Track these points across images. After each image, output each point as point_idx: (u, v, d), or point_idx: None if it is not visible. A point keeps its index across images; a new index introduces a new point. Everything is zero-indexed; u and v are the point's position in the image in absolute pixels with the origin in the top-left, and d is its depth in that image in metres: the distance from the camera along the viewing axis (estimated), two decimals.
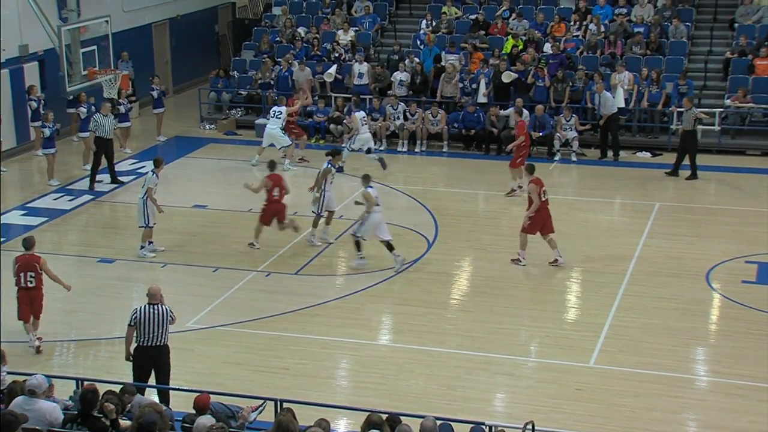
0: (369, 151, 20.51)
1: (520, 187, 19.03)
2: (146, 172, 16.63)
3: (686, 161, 20.56)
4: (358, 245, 15.88)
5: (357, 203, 16.36)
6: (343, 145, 20.63)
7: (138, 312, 11.22)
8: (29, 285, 13.23)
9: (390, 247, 15.79)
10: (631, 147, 22.48)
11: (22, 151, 22.31)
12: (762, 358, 12.87)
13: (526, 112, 21.31)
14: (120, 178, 20.35)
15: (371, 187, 16.02)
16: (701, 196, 19.82)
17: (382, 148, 22.96)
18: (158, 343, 11.25)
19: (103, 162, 20.15)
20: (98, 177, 20.11)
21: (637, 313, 14.30)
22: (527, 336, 13.95)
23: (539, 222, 15.93)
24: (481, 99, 23.23)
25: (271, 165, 17.06)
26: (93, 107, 20.83)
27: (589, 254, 16.60)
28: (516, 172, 19.29)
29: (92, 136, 19.78)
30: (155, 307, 11.26)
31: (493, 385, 12.48)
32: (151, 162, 16.91)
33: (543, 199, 15.94)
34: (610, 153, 22.13)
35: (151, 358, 11.29)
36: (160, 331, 11.22)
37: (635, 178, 20.72)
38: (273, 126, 21.08)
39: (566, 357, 12.98)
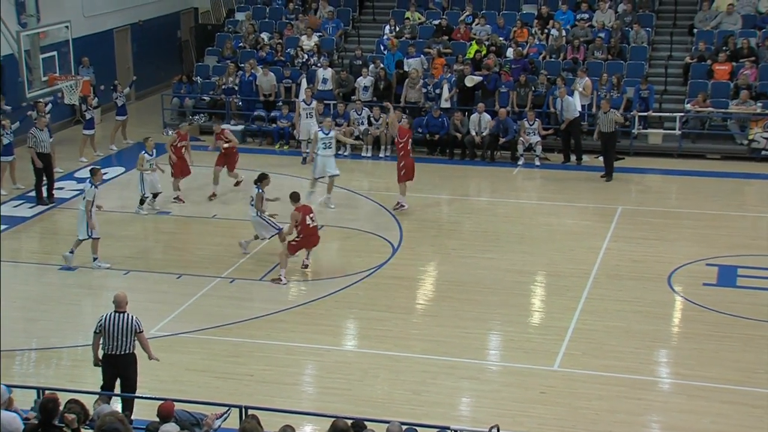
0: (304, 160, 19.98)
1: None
2: (86, 185, 16.33)
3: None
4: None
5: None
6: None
7: (103, 319, 11.12)
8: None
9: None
10: (593, 151, 22.65)
11: None
12: (723, 360, 13.02)
13: (405, 118, 20.23)
14: (57, 196, 19.67)
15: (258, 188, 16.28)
16: (663, 199, 20.02)
17: (346, 153, 22.96)
18: (124, 352, 11.14)
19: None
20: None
21: (601, 316, 14.40)
22: (492, 340, 14.01)
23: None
24: (444, 104, 23.31)
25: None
26: (12, 134, 20.28)
27: (553, 258, 16.70)
28: (403, 187, 18.82)
29: (33, 152, 19.36)
30: (121, 315, 11.16)
31: (458, 389, 12.50)
32: (89, 172, 16.65)
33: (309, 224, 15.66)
34: (573, 157, 22.30)
35: (116, 367, 11.18)
36: (126, 339, 11.11)
37: (598, 181, 20.87)
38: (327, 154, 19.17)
39: (531, 360, 13.04)
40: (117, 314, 11.15)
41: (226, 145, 19.64)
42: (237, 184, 20.01)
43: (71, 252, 16.26)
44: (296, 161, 22.19)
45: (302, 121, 22.11)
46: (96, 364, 11.31)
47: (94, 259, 16.23)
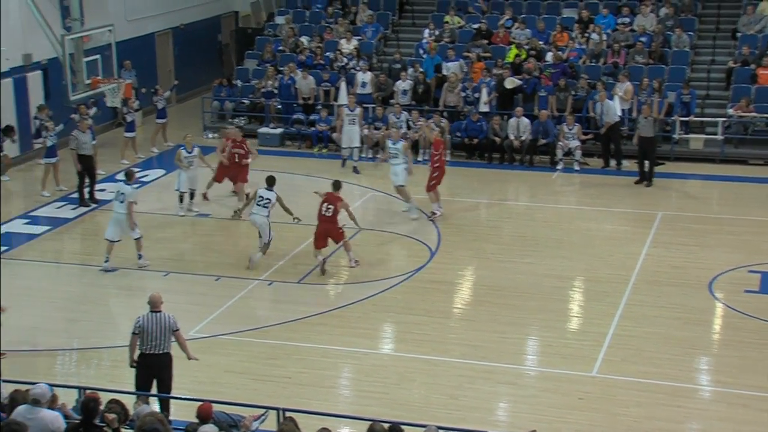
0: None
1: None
2: (124, 187, 16.44)
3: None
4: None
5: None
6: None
7: (141, 320, 11.24)
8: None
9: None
10: (634, 156, 22.45)
11: (24, 160, 22.34)
12: (765, 368, 12.85)
13: (437, 129, 20.23)
14: (99, 198, 19.81)
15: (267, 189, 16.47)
16: (704, 205, 19.81)
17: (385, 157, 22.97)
18: (161, 351, 11.25)
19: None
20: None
21: (640, 322, 14.28)
22: (530, 345, 13.95)
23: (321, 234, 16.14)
24: (483, 108, 23.26)
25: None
26: (56, 136, 20.50)
27: (592, 263, 16.59)
28: (434, 195, 18.70)
29: (74, 154, 19.63)
30: (157, 314, 11.28)
31: (495, 394, 12.46)
32: (124, 175, 16.90)
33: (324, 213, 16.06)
34: (612, 162, 22.14)
35: (153, 367, 11.29)
36: (163, 338, 11.23)
37: (638, 187, 20.70)
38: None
39: (568, 366, 12.97)
40: (153, 314, 11.26)
41: (246, 160, 19.04)
42: (237, 213, 18.56)
43: (106, 260, 16.40)
44: (335, 164, 22.25)
45: (345, 127, 21.97)
46: (131, 365, 11.42)
47: (140, 257, 16.40)
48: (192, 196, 19.03)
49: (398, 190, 18.85)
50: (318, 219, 16.25)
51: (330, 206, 16.20)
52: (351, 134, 21.59)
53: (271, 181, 16.60)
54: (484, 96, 23.32)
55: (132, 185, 16.50)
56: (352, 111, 21.88)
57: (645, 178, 20.72)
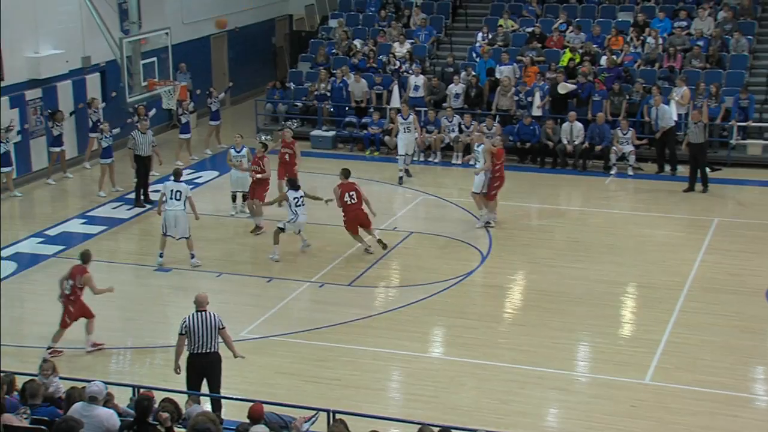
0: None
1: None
2: (177, 185, 16.64)
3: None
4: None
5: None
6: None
7: (188, 320, 11.36)
8: (65, 292, 13.65)
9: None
10: (687, 162, 22.19)
11: (83, 160, 22.72)
12: None
13: (487, 143, 18.81)
14: (153, 198, 19.84)
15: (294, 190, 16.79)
16: (761, 212, 19.44)
17: (436, 160, 23.01)
18: (208, 350, 11.35)
19: None
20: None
21: (694, 329, 14.09)
22: (581, 351, 13.83)
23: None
24: (536, 112, 23.13)
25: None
26: (111, 138, 20.74)
27: (645, 269, 16.41)
28: (493, 204, 18.54)
29: (132, 154, 19.95)
30: (203, 313, 11.39)
31: (546, 400, 12.37)
32: (173, 174, 17.07)
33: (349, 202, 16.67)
34: (667, 167, 21.87)
35: (202, 366, 11.40)
36: (210, 337, 11.33)
37: (693, 192, 20.42)
38: None
39: (621, 373, 12.83)
40: (199, 313, 11.38)
41: (259, 176, 18.52)
42: (256, 230, 18.26)
43: (193, 256, 16.70)
44: (386, 167, 22.27)
45: (400, 135, 21.70)
46: (176, 371, 11.50)
47: (192, 257, 16.61)
48: (244, 197, 19.14)
49: (472, 195, 18.64)
50: (344, 210, 16.84)
51: (351, 193, 16.79)
52: (406, 141, 21.50)
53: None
54: (537, 100, 23.20)
55: (181, 183, 16.80)
56: (405, 119, 21.58)
57: (694, 186, 20.36)
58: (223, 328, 11.47)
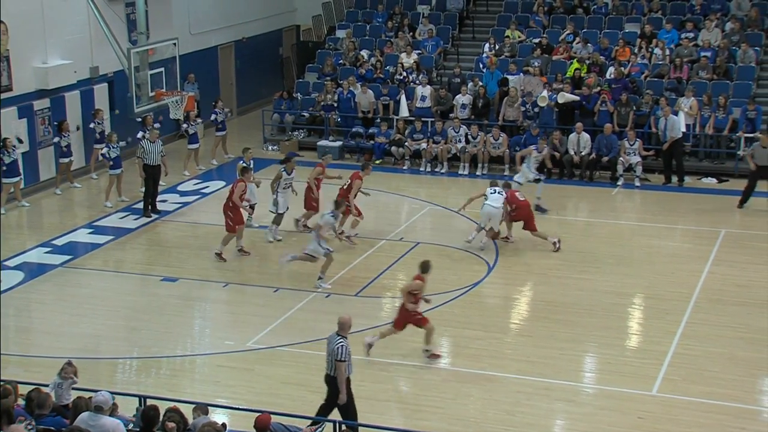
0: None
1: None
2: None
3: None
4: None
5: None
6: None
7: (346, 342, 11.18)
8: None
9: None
10: (696, 173, 22.17)
11: (90, 170, 22.77)
12: None
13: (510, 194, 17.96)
14: (161, 208, 20.07)
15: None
16: None
17: (443, 171, 23.03)
18: (329, 372, 11.24)
19: None
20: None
21: (702, 341, 14.04)
22: (588, 362, 13.79)
23: None
24: (541, 102, 23.21)
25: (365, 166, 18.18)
26: (119, 148, 20.83)
27: (652, 280, 16.37)
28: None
29: (140, 163, 19.99)
30: (334, 337, 11.22)
31: (553, 411, 12.33)
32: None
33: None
34: (674, 178, 21.84)
35: (329, 386, 11.25)
36: (328, 359, 11.22)
37: (700, 204, 20.39)
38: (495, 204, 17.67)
39: (628, 384, 12.79)
40: (336, 335, 11.27)
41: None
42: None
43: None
44: (392, 177, 22.28)
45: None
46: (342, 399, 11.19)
47: (319, 278, 16.23)
48: (252, 208, 19.13)
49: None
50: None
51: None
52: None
53: (286, 159, 18.17)
54: (544, 92, 23.22)
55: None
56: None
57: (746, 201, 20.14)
58: (341, 360, 11.06)
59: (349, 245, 17.71)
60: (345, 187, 17.95)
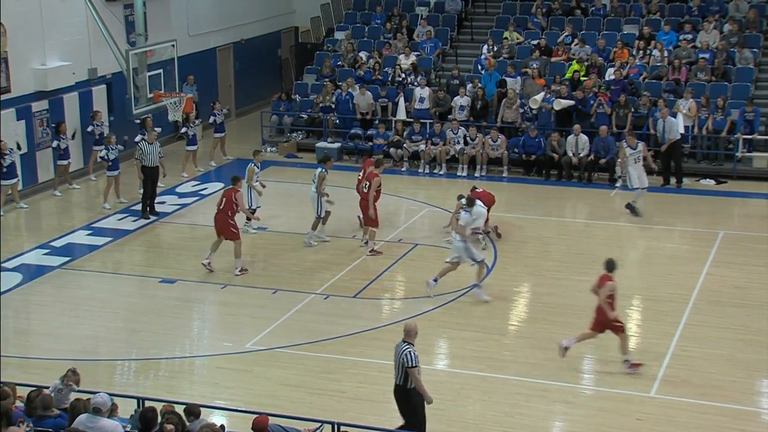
0: None
1: None
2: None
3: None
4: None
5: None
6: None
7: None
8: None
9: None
10: (694, 174, 22.18)
11: (89, 172, 22.76)
12: None
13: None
14: (159, 210, 20.08)
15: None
16: (766, 225, 19.41)
17: (441, 172, 23.03)
18: (397, 383, 10.93)
19: None
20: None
21: (700, 342, 14.05)
22: (586, 363, 13.78)
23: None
24: (533, 105, 23.25)
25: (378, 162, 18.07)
26: (116, 150, 20.80)
27: (651, 282, 16.38)
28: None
29: (139, 164, 19.97)
30: (400, 345, 10.96)
31: (551, 413, 12.34)
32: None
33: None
34: (673, 180, 21.86)
35: (396, 398, 10.99)
36: (396, 369, 10.91)
37: (699, 205, 20.40)
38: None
39: (626, 386, 12.80)
40: (403, 342, 10.97)
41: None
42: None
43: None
44: (389, 180, 22.27)
45: (631, 166, 19.69)
46: (430, 402, 10.95)
47: (475, 286, 15.88)
48: (253, 212, 19.09)
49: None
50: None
51: (367, 183, 17.62)
52: (638, 173, 19.75)
53: (323, 159, 18.46)
54: (541, 95, 23.25)
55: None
56: (635, 149, 19.75)
57: None
58: (412, 366, 10.74)
59: (372, 255, 17.54)
60: (366, 189, 17.70)
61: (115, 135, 21.28)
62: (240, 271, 16.72)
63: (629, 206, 19.74)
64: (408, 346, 10.83)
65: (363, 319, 15.00)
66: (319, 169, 17.99)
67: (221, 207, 16.77)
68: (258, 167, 18.84)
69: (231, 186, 17.06)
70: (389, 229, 18.93)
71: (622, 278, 16.07)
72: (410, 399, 10.87)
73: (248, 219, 18.79)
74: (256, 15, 29.67)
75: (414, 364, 10.73)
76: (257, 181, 18.79)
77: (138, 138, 21.48)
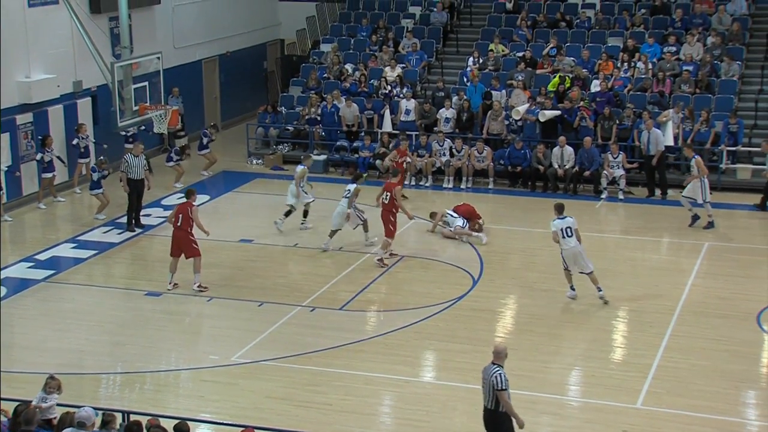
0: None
1: None
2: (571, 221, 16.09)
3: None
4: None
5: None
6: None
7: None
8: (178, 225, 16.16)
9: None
10: (679, 186, 22.24)
11: (74, 185, 22.67)
12: None
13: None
14: (144, 222, 20.05)
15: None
16: (751, 236, 19.52)
17: (427, 184, 23.06)
18: (487, 406, 10.68)
19: None
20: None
21: (686, 354, 14.09)
22: (573, 375, 13.81)
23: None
24: (515, 115, 23.39)
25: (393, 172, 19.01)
26: (104, 173, 20.74)
27: (636, 293, 16.42)
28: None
29: (125, 177, 19.90)
30: (488, 367, 10.72)
31: (538, 424, 12.32)
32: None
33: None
34: (657, 191, 21.95)
35: (484, 420, 10.73)
36: (485, 392, 10.67)
37: (684, 217, 20.48)
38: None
39: (612, 397, 12.82)
40: (491, 364, 10.71)
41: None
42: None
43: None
44: (375, 192, 22.24)
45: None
46: (522, 426, 10.72)
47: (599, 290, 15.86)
48: (287, 215, 19.51)
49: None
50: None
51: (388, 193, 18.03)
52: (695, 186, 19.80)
53: (356, 177, 19.03)
54: (524, 107, 23.38)
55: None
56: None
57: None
58: (501, 389, 10.47)
59: (379, 265, 17.58)
60: (387, 201, 17.91)
61: (107, 161, 21.20)
62: (199, 287, 16.54)
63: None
64: (498, 369, 10.57)
65: (349, 332, 14.97)
66: (354, 185, 18.52)
67: (179, 224, 16.48)
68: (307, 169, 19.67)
69: (186, 200, 16.81)
70: (375, 241, 18.90)
71: (607, 289, 16.21)
72: (501, 424, 10.63)
73: (286, 216, 19.39)
74: (241, 27, 29.69)
75: (504, 387, 10.48)
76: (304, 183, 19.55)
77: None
